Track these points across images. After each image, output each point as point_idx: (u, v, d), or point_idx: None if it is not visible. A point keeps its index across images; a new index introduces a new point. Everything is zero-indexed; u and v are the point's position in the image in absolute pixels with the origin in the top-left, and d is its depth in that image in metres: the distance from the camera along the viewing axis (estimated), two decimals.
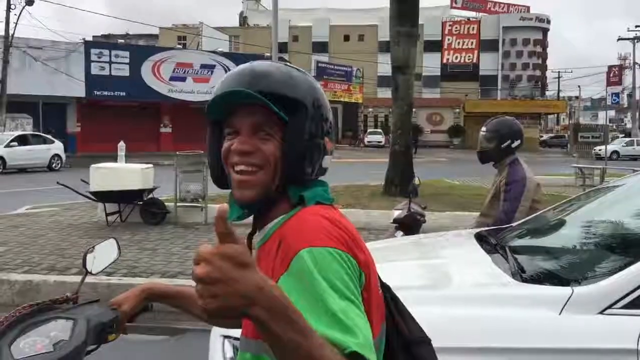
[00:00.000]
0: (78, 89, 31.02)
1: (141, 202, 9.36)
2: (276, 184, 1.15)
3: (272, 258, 1.09)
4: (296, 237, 1.06)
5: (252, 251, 1.17)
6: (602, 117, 57.54)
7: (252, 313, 0.82)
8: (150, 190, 9.57)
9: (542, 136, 61.63)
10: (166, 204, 9.56)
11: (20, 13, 27.23)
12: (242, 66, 1.21)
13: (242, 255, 0.82)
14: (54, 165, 24.30)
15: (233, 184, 1.17)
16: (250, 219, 1.23)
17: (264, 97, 1.11)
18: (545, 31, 65.95)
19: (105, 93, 32.34)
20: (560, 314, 2.06)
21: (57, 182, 9.56)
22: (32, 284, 5.81)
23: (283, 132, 1.14)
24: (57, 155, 24.60)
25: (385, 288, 1.27)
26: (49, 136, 25.05)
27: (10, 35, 26.84)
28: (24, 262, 6.62)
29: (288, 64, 1.24)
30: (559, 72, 71.11)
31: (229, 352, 2.33)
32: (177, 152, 10.03)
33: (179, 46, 41.66)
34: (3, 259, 6.75)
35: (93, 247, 1.52)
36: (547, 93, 70.69)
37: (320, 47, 60.09)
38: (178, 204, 9.51)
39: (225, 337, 2.42)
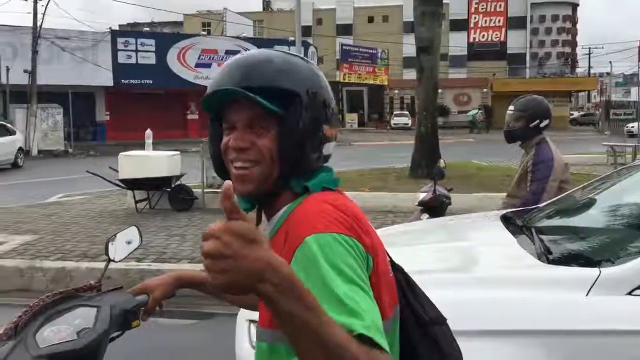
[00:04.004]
0: (106, 78, 31.37)
1: (169, 189, 9.47)
2: (276, 176, 1.15)
3: (281, 248, 1.09)
4: (301, 224, 1.07)
5: None
6: (635, 93, 56.10)
7: (261, 288, 0.83)
8: (178, 177, 9.67)
9: (572, 114, 60.47)
10: (194, 190, 9.65)
11: (47, 4, 27.56)
12: (233, 60, 1.20)
13: (251, 232, 0.83)
14: (18, 160, 20.62)
15: (232, 179, 1.17)
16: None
17: (255, 91, 1.10)
18: (574, 6, 64.46)
19: (133, 81, 32.64)
20: (587, 295, 2.03)
21: (87, 171, 9.72)
22: (65, 271, 5.93)
23: (279, 125, 1.13)
24: (21, 149, 21.12)
25: (398, 270, 1.27)
26: (10, 126, 21.73)
27: (38, 26, 27.18)
28: (56, 249, 6.76)
29: (285, 51, 1.22)
30: (589, 48, 69.62)
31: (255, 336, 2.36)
32: (203, 139, 10.09)
33: (204, 33, 41.81)
34: (37, 247, 6.91)
35: (115, 235, 1.55)
36: (577, 70, 69.24)
37: (345, 29, 59.67)
38: (205, 190, 9.59)
39: (252, 321, 2.44)
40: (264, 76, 1.13)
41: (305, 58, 1.23)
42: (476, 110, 45.82)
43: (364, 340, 0.90)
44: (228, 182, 0.86)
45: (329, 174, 1.21)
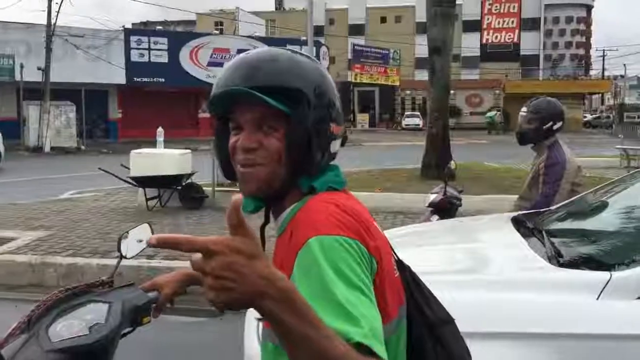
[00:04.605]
0: (119, 76, 31.57)
1: (180, 187, 9.51)
2: (283, 176, 1.14)
3: (286, 247, 1.09)
4: (305, 226, 1.06)
5: (265, 242, 1.17)
6: None
7: (262, 305, 0.82)
8: (189, 175, 9.71)
9: (585, 116, 60.05)
10: (204, 188, 9.68)
11: (61, 2, 27.73)
12: (239, 58, 1.18)
13: (254, 249, 0.82)
14: None
15: (239, 179, 1.17)
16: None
17: (262, 91, 1.09)
18: (589, 8, 64.04)
19: (145, 79, 32.82)
20: (597, 299, 2.01)
21: (99, 168, 9.79)
22: (76, 267, 5.98)
23: (286, 124, 1.13)
24: None
25: (406, 269, 1.26)
26: None
27: (52, 24, 27.37)
28: (68, 245, 6.81)
29: (290, 49, 1.21)
30: (603, 50, 69.07)
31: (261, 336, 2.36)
32: (214, 137, 10.10)
33: (216, 32, 41.96)
34: (49, 242, 6.96)
35: (127, 232, 1.56)
36: (591, 72, 68.75)
37: (357, 29, 59.66)
38: (216, 188, 9.62)
39: (260, 320, 2.44)
40: (270, 75, 1.12)
41: (310, 56, 1.22)
42: (495, 112, 45.58)
43: (362, 348, 0.89)
44: (238, 196, 0.83)
45: (336, 173, 1.20)
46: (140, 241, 1.59)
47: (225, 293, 0.81)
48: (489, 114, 45.60)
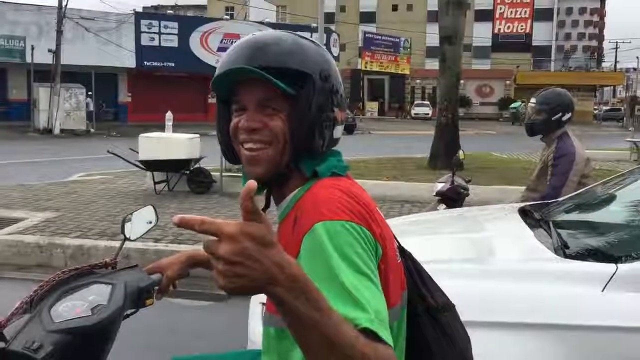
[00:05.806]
0: (129, 60, 31.61)
1: (188, 172, 9.54)
2: (287, 159, 1.14)
3: (290, 232, 1.09)
4: (311, 211, 1.06)
5: None
6: None
7: (273, 291, 0.82)
8: (197, 160, 9.73)
9: (596, 109, 59.59)
10: (212, 173, 9.70)
11: None
12: (246, 38, 1.18)
13: (267, 235, 0.81)
14: None
15: (243, 161, 1.17)
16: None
17: (268, 71, 1.08)
18: None
19: (155, 64, 32.85)
20: (603, 291, 2.00)
21: (108, 151, 9.82)
22: (83, 249, 6.02)
23: (290, 106, 1.12)
24: None
25: (407, 256, 1.26)
26: None
27: (63, 6, 27.36)
28: (76, 227, 6.85)
29: (294, 33, 1.21)
30: (616, 42, 68.37)
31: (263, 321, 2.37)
32: None
33: (227, 17, 41.80)
34: (57, 224, 7.00)
35: (131, 214, 1.56)
36: (603, 64, 68.10)
37: (368, 17, 59.33)
38: (224, 173, 9.64)
39: (264, 304, 2.45)
40: (275, 56, 1.12)
41: (315, 41, 1.22)
42: (519, 103, 45.00)
43: (368, 333, 0.89)
44: (252, 182, 0.82)
45: (338, 159, 1.20)
46: (146, 222, 1.59)
47: (236, 279, 0.80)
48: (513, 104, 44.93)
